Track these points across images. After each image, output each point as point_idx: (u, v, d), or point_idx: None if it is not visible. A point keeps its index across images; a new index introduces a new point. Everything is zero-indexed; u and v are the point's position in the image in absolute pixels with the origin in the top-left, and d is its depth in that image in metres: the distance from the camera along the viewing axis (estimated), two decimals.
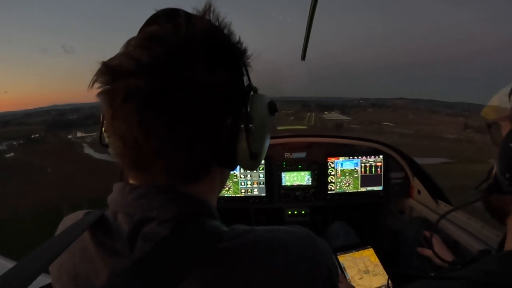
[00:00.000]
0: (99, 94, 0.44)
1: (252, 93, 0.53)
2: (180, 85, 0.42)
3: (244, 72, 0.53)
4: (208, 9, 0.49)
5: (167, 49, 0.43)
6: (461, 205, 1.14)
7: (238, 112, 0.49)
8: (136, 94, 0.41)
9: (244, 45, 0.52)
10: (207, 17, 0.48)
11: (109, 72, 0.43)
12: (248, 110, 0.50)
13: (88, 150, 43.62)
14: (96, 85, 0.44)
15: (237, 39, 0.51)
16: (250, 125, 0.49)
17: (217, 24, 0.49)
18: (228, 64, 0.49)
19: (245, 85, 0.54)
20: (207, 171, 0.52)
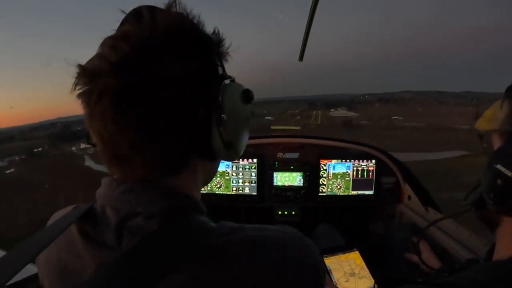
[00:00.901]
0: (78, 96, 0.46)
1: (226, 82, 0.53)
2: (148, 79, 0.43)
3: (218, 62, 0.53)
4: (173, 2, 0.49)
5: (134, 46, 0.44)
6: (450, 214, 1.34)
7: (210, 102, 0.49)
8: (108, 92, 0.43)
9: (221, 37, 0.53)
10: (172, 10, 0.49)
11: (85, 74, 0.45)
12: (220, 99, 0.50)
13: (88, 162, 43.41)
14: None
15: (212, 30, 0.52)
16: (222, 115, 0.50)
17: (181, 17, 0.50)
18: (197, 54, 0.49)
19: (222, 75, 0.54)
20: (185, 163, 0.52)
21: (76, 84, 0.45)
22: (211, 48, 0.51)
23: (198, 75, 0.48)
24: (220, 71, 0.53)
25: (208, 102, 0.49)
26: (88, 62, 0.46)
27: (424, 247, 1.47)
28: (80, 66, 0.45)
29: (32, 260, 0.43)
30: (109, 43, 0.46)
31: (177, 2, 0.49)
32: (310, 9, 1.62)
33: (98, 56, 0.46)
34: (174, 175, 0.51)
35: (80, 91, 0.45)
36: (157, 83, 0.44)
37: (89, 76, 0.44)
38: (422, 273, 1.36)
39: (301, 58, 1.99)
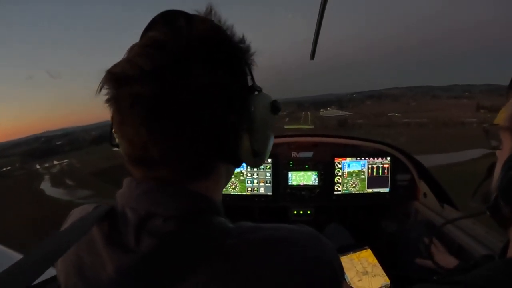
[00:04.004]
0: (106, 101, 0.47)
1: (256, 92, 0.54)
2: (183, 89, 0.44)
3: (248, 71, 0.54)
4: (209, 12, 0.50)
5: (169, 55, 0.44)
6: (465, 215, 1.34)
7: (241, 112, 0.50)
8: (142, 100, 0.43)
9: (247, 42, 0.53)
10: (208, 19, 0.50)
11: (113, 79, 0.45)
12: (252, 109, 0.51)
13: (44, 185, 35.69)
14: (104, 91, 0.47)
15: (241, 37, 0.53)
16: (253, 125, 0.51)
17: (216, 27, 0.50)
18: (230, 65, 0.50)
19: (249, 84, 0.55)
20: (212, 169, 0.53)
21: (101, 88, 0.46)
22: (242, 59, 0.52)
23: (231, 86, 0.49)
24: (250, 81, 0.55)
25: (239, 112, 0.50)
26: (115, 67, 0.46)
27: (438, 246, 1.47)
28: (108, 71, 0.46)
29: (54, 263, 0.43)
30: (140, 51, 0.46)
31: (213, 12, 0.50)
32: (320, 7, 1.58)
33: (127, 61, 0.45)
34: (200, 180, 0.52)
35: (109, 96, 0.46)
36: (193, 94, 0.44)
37: (118, 81, 0.45)
38: (437, 271, 1.31)
39: (312, 56, 1.94)
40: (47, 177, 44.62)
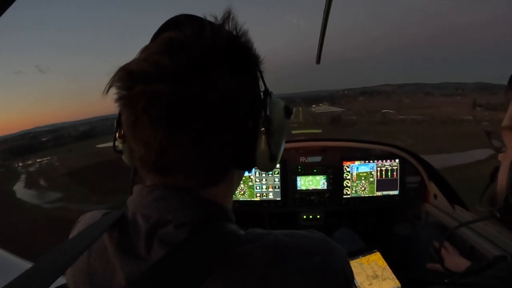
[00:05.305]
0: (118, 100, 0.45)
1: (268, 97, 0.54)
2: (205, 91, 0.42)
3: (260, 77, 0.54)
4: (227, 17, 0.49)
5: (191, 55, 0.43)
6: (476, 219, 1.33)
7: (258, 116, 0.50)
8: (160, 100, 0.41)
9: (257, 51, 0.53)
10: (226, 25, 0.49)
11: (128, 76, 0.43)
12: (268, 113, 0.51)
13: (18, 186, 32.81)
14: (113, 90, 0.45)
15: (253, 46, 0.53)
16: (269, 129, 0.51)
17: (235, 32, 0.50)
18: (248, 70, 0.51)
19: (261, 90, 0.55)
20: (226, 174, 0.53)
21: (110, 86, 0.44)
22: (257, 64, 0.52)
23: (249, 89, 0.50)
24: (262, 86, 0.54)
25: (256, 115, 0.50)
26: (130, 65, 0.44)
27: (449, 249, 1.45)
28: (122, 67, 0.44)
29: (64, 271, 0.43)
30: (159, 49, 0.44)
31: (231, 18, 0.49)
32: (324, 11, 1.58)
33: (143, 59, 0.44)
34: (213, 185, 0.52)
35: (121, 95, 0.44)
36: (217, 97, 0.43)
37: (134, 79, 0.42)
38: (450, 272, 1.31)
39: (318, 61, 1.95)
40: (23, 176, 41.73)
